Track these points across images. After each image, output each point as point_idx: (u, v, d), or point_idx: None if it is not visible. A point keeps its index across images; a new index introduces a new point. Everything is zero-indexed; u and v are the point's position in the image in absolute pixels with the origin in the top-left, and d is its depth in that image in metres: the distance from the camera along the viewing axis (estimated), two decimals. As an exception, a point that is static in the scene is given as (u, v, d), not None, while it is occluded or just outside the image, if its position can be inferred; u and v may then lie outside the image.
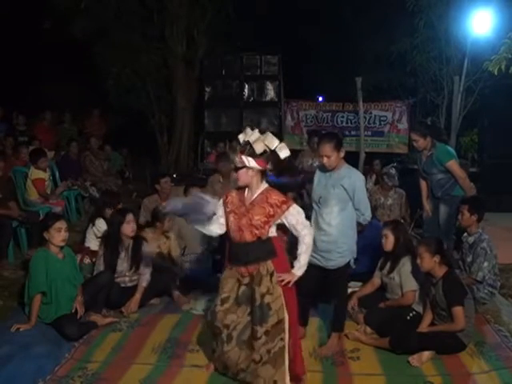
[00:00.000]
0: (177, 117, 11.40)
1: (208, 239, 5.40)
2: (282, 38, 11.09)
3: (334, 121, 10.97)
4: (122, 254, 4.76)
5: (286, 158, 3.31)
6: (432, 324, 3.97)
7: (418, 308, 4.22)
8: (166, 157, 11.46)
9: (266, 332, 3.25)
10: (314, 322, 4.33)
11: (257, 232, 3.28)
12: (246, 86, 11.24)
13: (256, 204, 3.31)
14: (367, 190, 4.89)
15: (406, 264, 4.35)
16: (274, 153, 3.27)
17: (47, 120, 9.76)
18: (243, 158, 3.26)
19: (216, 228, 3.48)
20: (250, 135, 3.27)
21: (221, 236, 3.64)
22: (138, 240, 4.83)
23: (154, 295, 4.86)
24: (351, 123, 10.83)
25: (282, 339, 3.27)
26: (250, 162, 3.25)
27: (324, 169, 3.92)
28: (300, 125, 11.17)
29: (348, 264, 3.92)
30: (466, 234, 4.85)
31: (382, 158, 8.79)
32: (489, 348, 3.93)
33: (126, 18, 10.36)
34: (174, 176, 8.43)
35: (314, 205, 3.95)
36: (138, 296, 4.66)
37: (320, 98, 12.61)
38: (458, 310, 3.76)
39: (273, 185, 3.44)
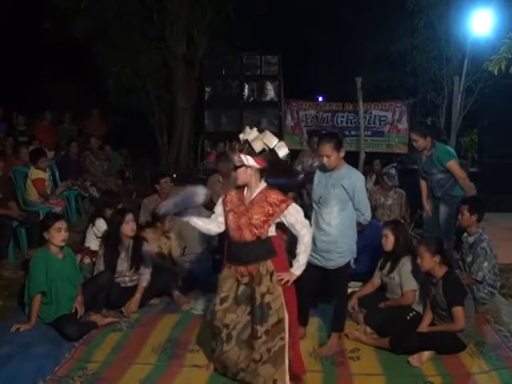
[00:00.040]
0: (177, 117, 11.40)
1: (208, 239, 5.41)
2: (282, 37, 11.09)
3: (334, 121, 10.98)
4: (122, 254, 4.75)
5: (282, 161, 3.31)
6: (432, 324, 3.97)
7: (418, 308, 4.22)
8: (166, 157, 11.46)
9: (266, 331, 3.25)
10: (314, 322, 4.33)
11: (256, 231, 3.28)
12: (246, 86, 11.24)
13: (255, 203, 3.31)
14: (367, 189, 4.89)
15: (406, 264, 4.35)
16: (272, 152, 3.27)
17: (47, 120, 9.75)
18: (242, 156, 3.26)
19: (215, 227, 3.49)
20: (249, 134, 3.27)
21: (220, 236, 3.64)
22: (138, 240, 4.83)
23: (154, 295, 4.86)
24: (351, 123, 10.83)
25: (282, 338, 3.27)
26: (249, 160, 3.25)
27: (324, 169, 3.92)
28: (300, 125, 11.17)
29: (348, 264, 3.92)
30: (465, 234, 4.85)
31: (382, 158, 8.79)
32: (489, 348, 3.93)
33: (126, 18, 10.37)
34: (174, 176, 8.43)
35: (314, 205, 3.95)
36: (138, 296, 4.66)
37: (320, 98, 12.62)
38: (458, 310, 3.76)
39: (271, 186, 3.44)
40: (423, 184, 5.43)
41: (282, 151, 3.28)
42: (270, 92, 11.23)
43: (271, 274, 3.29)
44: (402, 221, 6.14)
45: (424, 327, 3.95)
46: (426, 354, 3.74)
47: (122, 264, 4.75)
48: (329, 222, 3.83)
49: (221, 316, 3.37)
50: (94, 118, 10.61)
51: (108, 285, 4.53)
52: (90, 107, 10.68)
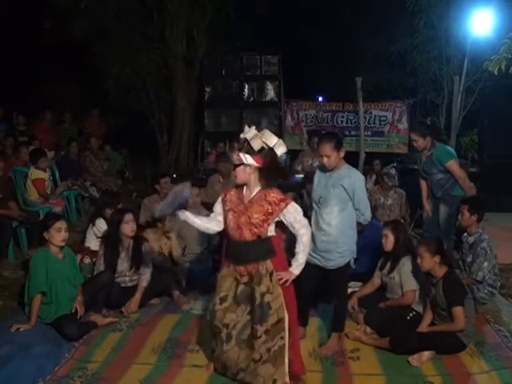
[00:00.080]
0: (177, 117, 11.40)
1: (208, 239, 5.41)
2: (282, 37, 11.08)
3: (334, 121, 10.97)
4: (122, 254, 4.75)
5: (276, 162, 3.31)
6: (432, 324, 3.97)
7: (418, 308, 4.22)
8: (166, 157, 11.46)
9: (266, 331, 3.25)
10: (314, 322, 4.33)
11: (256, 230, 3.28)
12: (246, 86, 11.24)
13: (255, 202, 3.31)
14: (367, 189, 4.89)
15: (406, 264, 4.34)
16: (271, 150, 3.26)
17: (47, 120, 9.75)
18: (241, 155, 3.26)
19: (214, 225, 3.50)
20: (247, 132, 3.28)
21: (221, 235, 3.64)
22: (138, 240, 4.83)
23: (154, 295, 4.86)
24: (351, 123, 10.83)
25: (282, 338, 3.28)
26: (248, 159, 3.25)
27: (324, 169, 3.92)
28: (300, 125, 11.17)
29: (348, 264, 3.92)
30: (465, 234, 4.85)
31: (382, 158, 8.79)
32: (489, 348, 3.93)
33: (126, 18, 10.36)
34: (174, 176, 8.41)
35: (314, 205, 3.95)
36: (138, 296, 4.66)
37: (320, 98, 12.61)
38: (458, 310, 3.76)
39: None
40: (423, 184, 5.43)
41: (281, 150, 3.28)
42: (270, 92, 11.23)
43: (271, 274, 3.29)
44: (402, 221, 6.14)
45: (424, 327, 3.95)
46: (426, 354, 3.74)
47: (122, 264, 4.75)
48: (329, 222, 3.83)
49: (220, 316, 3.37)
50: (93, 117, 10.61)
51: (108, 285, 4.53)
52: (90, 107, 10.68)
